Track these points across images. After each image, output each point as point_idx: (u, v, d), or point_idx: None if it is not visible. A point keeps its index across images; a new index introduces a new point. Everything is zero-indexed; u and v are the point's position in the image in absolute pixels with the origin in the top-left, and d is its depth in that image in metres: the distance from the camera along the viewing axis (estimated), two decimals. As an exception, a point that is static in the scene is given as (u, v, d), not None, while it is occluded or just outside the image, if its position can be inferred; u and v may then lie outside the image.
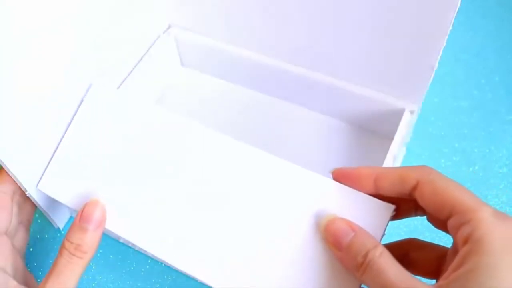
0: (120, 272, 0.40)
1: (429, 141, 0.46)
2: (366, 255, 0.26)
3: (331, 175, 0.31)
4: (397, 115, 0.42)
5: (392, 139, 0.40)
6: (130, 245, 0.41)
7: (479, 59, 0.52)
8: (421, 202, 0.27)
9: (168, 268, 0.40)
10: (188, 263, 0.32)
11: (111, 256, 0.41)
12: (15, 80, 0.33)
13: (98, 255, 0.41)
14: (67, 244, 0.32)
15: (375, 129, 0.45)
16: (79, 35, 0.37)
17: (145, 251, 0.34)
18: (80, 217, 0.33)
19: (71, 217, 0.43)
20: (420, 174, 0.27)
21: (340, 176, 0.30)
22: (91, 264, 0.41)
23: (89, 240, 0.32)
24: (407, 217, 0.31)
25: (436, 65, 0.37)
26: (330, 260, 0.30)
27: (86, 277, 0.40)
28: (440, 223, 0.27)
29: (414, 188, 0.27)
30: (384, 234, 0.30)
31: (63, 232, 0.42)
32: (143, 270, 0.40)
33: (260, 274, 0.31)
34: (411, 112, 0.41)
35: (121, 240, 0.41)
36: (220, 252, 0.32)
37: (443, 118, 0.47)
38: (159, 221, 0.33)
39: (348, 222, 0.28)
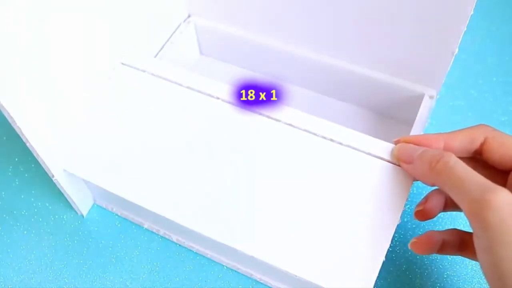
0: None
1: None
2: (441, 157, 0.29)
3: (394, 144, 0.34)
4: (416, 100, 0.42)
5: (410, 125, 0.41)
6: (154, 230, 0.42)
7: (477, 59, 0.51)
8: (489, 155, 0.31)
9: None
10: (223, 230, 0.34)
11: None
12: (44, 62, 0.34)
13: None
14: None
15: (393, 115, 0.46)
16: (102, 23, 0.38)
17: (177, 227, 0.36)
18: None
19: (94, 204, 0.43)
20: (486, 131, 0.31)
21: (408, 142, 0.33)
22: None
23: None
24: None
25: (457, 49, 0.38)
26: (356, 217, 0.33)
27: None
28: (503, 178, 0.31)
29: (482, 143, 0.31)
30: (407, 198, 0.33)
31: (85, 219, 0.43)
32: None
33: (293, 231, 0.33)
34: (431, 97, 0.41)
35: (145, 226, 0.42)
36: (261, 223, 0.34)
37: (438, 117, 0.47)
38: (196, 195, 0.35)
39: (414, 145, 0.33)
